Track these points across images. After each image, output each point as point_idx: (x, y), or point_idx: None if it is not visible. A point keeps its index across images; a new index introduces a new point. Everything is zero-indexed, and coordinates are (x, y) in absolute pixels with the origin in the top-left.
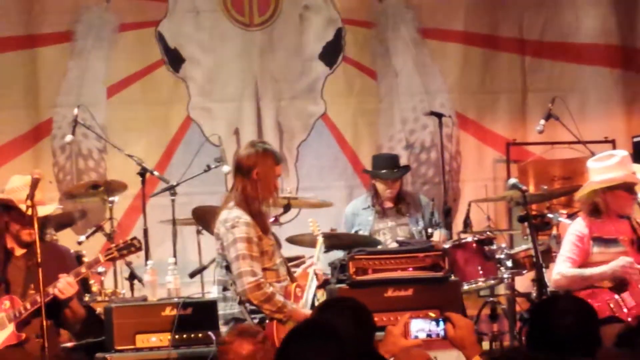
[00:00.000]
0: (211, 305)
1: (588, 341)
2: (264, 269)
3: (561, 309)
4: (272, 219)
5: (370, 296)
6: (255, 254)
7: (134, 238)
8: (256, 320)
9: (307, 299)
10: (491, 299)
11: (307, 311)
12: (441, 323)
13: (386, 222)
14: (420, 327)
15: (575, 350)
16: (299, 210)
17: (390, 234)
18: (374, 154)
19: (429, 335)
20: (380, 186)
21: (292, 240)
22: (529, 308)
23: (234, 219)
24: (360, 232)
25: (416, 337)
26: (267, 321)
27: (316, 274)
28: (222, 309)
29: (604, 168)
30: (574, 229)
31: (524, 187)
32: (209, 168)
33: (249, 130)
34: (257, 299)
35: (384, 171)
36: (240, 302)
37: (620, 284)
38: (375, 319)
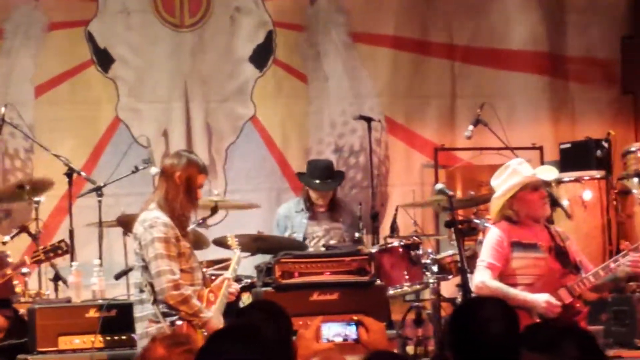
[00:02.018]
0: (126, 308)
1: (512, 347)
2: (180, 270)
3: (485, 315)
4: (199, 221)
5: (296, 300)
6: (172, 253)
7: (62, 241)
8: (168, 322)
9: (218, 308)
10: (416, 303)
11: (219, 324)
12: (354, 327)
13: (320, 225)
14: (335, 330)
15: (499, 356)
16: (226, 213)
17: (323, 237)
18: (302, 157)
19: (343, 339)
20: (313, 194)
21: (218, 242)
22: (452, 313)
23: (152, 219)
24: (294, 235)
25: (330, 340)
26: (178, 322)
27: (230, 292)
28: (140, 311)
29: (503, 181)
30: (493, 234)
31: (451, 193)
32: (136, 169)
33: (178, 131)
34: (173, 299)
35: (317, 182)
36: (154, 303)
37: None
38: (300, 322)
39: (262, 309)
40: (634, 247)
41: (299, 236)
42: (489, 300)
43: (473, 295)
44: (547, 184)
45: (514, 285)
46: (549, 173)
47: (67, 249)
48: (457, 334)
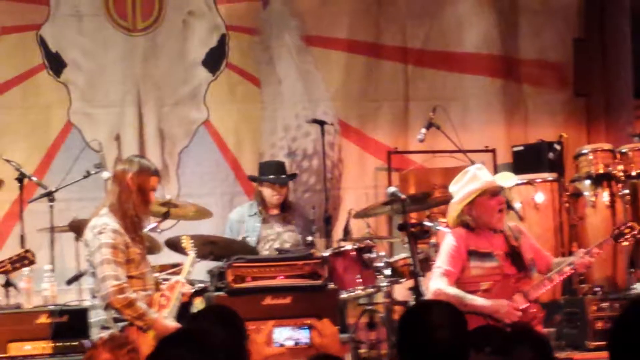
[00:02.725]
0: (85, 313)
1: (459, 351)
2: (130, 277)
3: (433, 319)
4: (152, 226)
5: (249, 304)
6: (120, 260)
7: (28, 250)
8: (120, 327)
9: (170, 311)
10: (369, 307)
11: (170, 323)
12: (307, 331)
13: (273, 228)
14: (287, 335)
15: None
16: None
17: (278, 240)
18: (255, 161)
19: (295, 343)
20: (267, 192)
21: (172, 243)
22: (400, 317)
23: (101, 226)
24: (248, 239)
25: (282, 345)
26: (127, 326)
27: (183, 294)
28: (93, 317)
29: (462, 186)
30: (450, 240)
31: (403, 196)
32: (88, 174)
33: (130, 136)
34: (118, 303)
35: (271, 176)
36: (106, 308)
37: None
38: (253, 327)
39: (215, 313)
40: (586, 250)
41: (252, 240)
42: (436, 304)
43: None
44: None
45: (472, 291)
46: (508, 180)
47: (34, 259)
48: (405, 338)
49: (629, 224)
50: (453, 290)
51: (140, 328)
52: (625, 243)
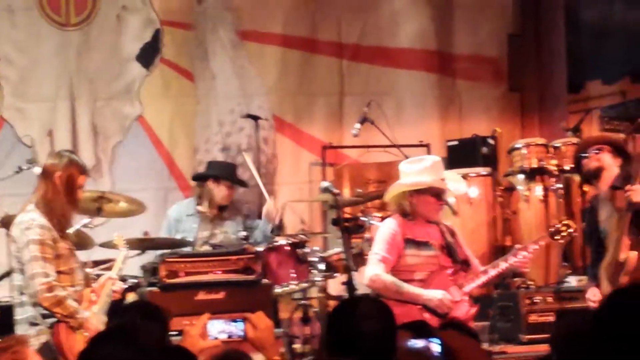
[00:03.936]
0: (10, 310)
1: (387, 345)
2: (59, 272)
3: (361, 313)
4: (85, 222)
5: (182, 299)
6: (48, 256)
7: None
8: (49, 324)
9: (101, 307)
10: (304, 302)
11: (100, 323)
12: (241, 324)
13: (210, 229)
14: (221, 328)
15: (374, 354)
16: None
17: (214, 240)
18: (190, 156)
19: (229, 336)
20: (221, 191)
21: (105, 244)
22: (328, 312)
23: (28, 221)
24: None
25: (216, 338)
26: (56, 323)
27: (114, 290)
28: (20, 314)
29: (414, 172)
30: (386, 227)
31: (336, 191)
32: (20, 169)
33: (64, 131)
34: (47, 301)
35: (226, 174)
36: (35, 305)
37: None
38: (186, 322)
39: (139, 309)
40: (523, 247)
41: (189, 240)
42: (364, 299)
43: (366, 284)
44: None
45: (407, 280)
46: (458, 184)
47: None
48: (333, 332)
49: (565, 222)
50: (389, 278)
51: (71, 327)
52: (561, 241)
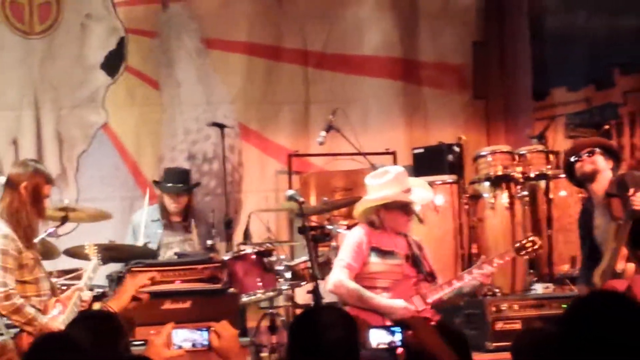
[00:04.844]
0: None
1: (351, 354)
2: (23, 282)
3: (324, 323)
4: (50, 230)
5: (148, 308)
6: (9, 266)
7: None
8: (12, 334)
9: (67, 317)
10: (270, 310)
11: (60, 326)
12: (205, 333)
13: (175, 236)
14: (185, 337)
15: None
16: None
17: (178, 248)
18: (156, 164)
19: (193, 345)
20: (167, 199)
21: (73, 252)
22: (291, 321)
23: None
24: (149, 245)
25: (180, 347)
26: (19, 333)
27: (82, 300)
28: None
29: (378, 185)
30: (353, 235)
31: (301, 199)
32: None
33: (28, 139)
34: (5, 309)
35: (169, 185)
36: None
37: None
38: (152, 331)
39: (90, 318)
40: (488, 260)
41: (153, 246)
42: (327, 308)
43: (329, 289)
44: None
45: (371, 287)
46: (424, 193)
47: None
48: (297, 342)
49: (531, 239)
50: (353, 285)
51: (30, 333)
52: (526, 257)
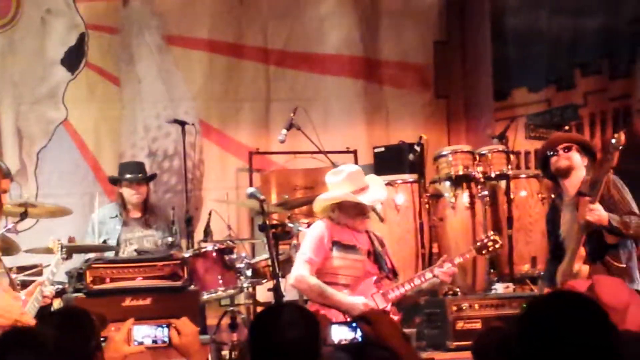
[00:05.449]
0: None
1: (311, 353)
2: None
3: (285, 321)
4: (9, 226)
5: (108, 305)
6: None
7: None
8: None
9: (28, 311)
10: (231, 308)
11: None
12: (166, 329)
13: (133, 232)
14: (145, 333)
15: None
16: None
17: (137, 244)
18: (116, 161)
19: (154, 342)
20: (126, 191)
21: (35, 249)
22: (252, 320)
23: None
24: (109, 242)
25: (140, 343)
26: None
27: (44, 295)
28: None
29: (335, 184)
30: (315, 229)
31: (262, 197)
32: None
33: None
34: None
35: (128, 175)
36: None
37: None
38: (113, 328)
39: (61, 315)
40: (448, 259)
41: (112, 242)
42: (288, 306)
43: (291, 284)
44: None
45: (332, 283)
46: (378, 192)
47: None
48: (257, 340)
49: (492, 237)
50: (315, 280)
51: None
52: (487, 256)
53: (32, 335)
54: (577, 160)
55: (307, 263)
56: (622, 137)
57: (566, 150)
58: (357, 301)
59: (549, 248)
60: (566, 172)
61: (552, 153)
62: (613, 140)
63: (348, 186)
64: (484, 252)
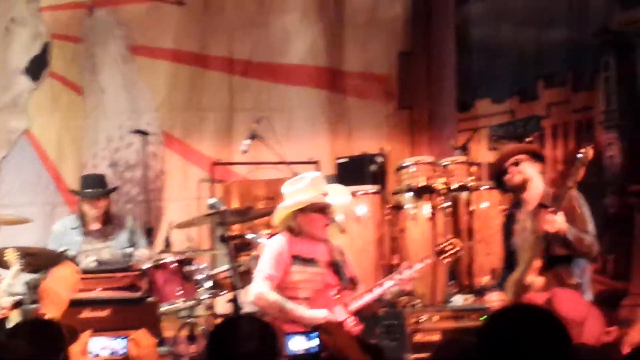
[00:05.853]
0: None
1: None
2: None
3: (242, 334)
4: None
5: (66, 317)
6: None
7: None
8: None
9: None
10: (190, 320)
11: None
12: (124, 341)
13: (93, 243)
14: (103, 345)
15: None
16: None
17: (95, 255)
18: (77, 171)
19: (112, 353)
20: (85, 206)
21: None
22: (209, 333)
23: None
24: (68, 253)
25: (97, 355)
26: None
27: (2, 307)
28: None
29: (295, 191)
30: (274, 245)
31: (223, 207)
32: None
33: None
34: None
35: (87, 190)
36: None
37: None
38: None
39: (28, 326)
40: (408, 265)
41: (72, 254)
42: (245, 318)
43: (250, 301)
44: None
45: (292, 297)
46: (341, 196)
47: None
48: (214, 353)
49: (451, 241)
50: (274, 296)
51: None
52: (447, 260)
53: (2, 348)
54: (530, 171)
55: (267, 279)
56: (590, 151)
57: (516, 164)
58: (318, 315)
59: (504, 256)
60: (522, 187)
61: (502, 172)
62: (580, 155)
63: (312, 191)
64: (442, 256)
